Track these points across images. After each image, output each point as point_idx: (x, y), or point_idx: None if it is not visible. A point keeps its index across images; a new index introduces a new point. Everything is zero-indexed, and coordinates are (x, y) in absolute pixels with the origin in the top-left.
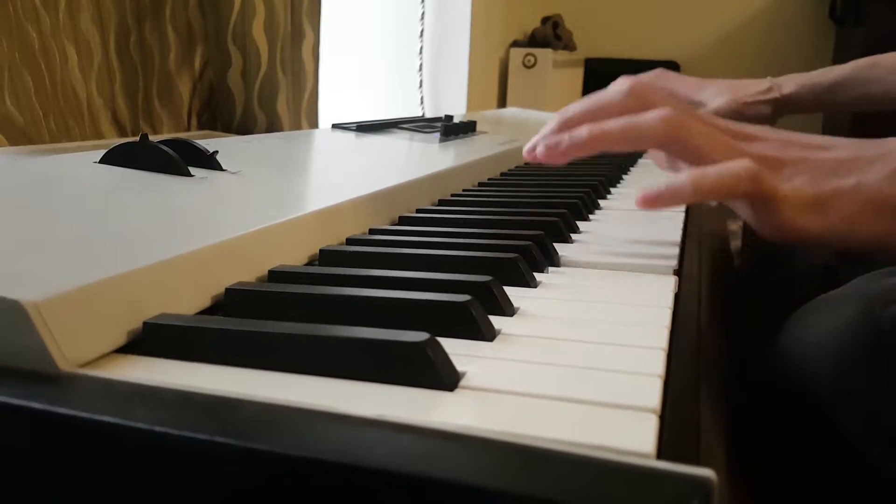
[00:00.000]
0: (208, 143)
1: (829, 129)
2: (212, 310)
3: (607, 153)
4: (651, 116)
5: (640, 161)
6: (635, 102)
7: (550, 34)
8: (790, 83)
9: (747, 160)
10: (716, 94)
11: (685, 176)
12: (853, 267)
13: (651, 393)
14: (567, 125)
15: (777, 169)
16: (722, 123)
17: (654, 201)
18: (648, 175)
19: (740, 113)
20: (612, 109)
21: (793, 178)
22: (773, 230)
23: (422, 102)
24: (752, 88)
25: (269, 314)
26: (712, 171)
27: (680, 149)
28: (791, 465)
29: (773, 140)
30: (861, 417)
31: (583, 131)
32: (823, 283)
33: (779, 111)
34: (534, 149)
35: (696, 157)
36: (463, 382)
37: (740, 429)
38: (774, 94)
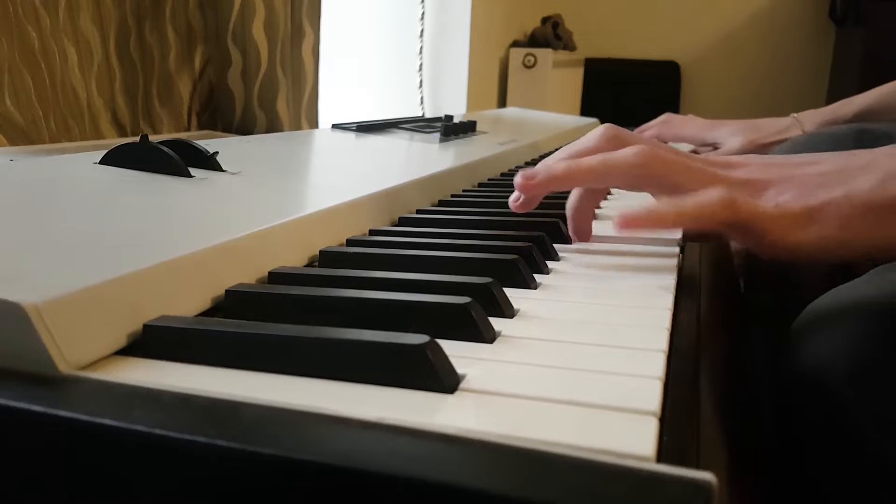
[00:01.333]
0: (208, 143)
1: None
2: (212, 311)
3: None
4: (626, 151)
5: None
6: (611, 144)
7: (550, 34)
8: (809, 121)
9: (721, 187)
10: (730, 135)
11: (666, 201)
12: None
13: (651, 395)
14: (573, 179)
15: (760, 190)
16: (699, 156)
17: (631, 222)
18: None
19: (758, 155)
20: (589, 152)
21: (777, 197)
22: (767, 251)
23: (422, 102)
24: (769, 129)
25: (270, 316)
26: (689, 200)
27: (656, 183)
28: (793, 468)
29: (754, 164)
30: (877, 418)
31: (559, 165)
32: (831, 278)
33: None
34: (532, 178)
35: (672, 190)
36: (463, 385)
37: (741, 431)
38: (793, 134)
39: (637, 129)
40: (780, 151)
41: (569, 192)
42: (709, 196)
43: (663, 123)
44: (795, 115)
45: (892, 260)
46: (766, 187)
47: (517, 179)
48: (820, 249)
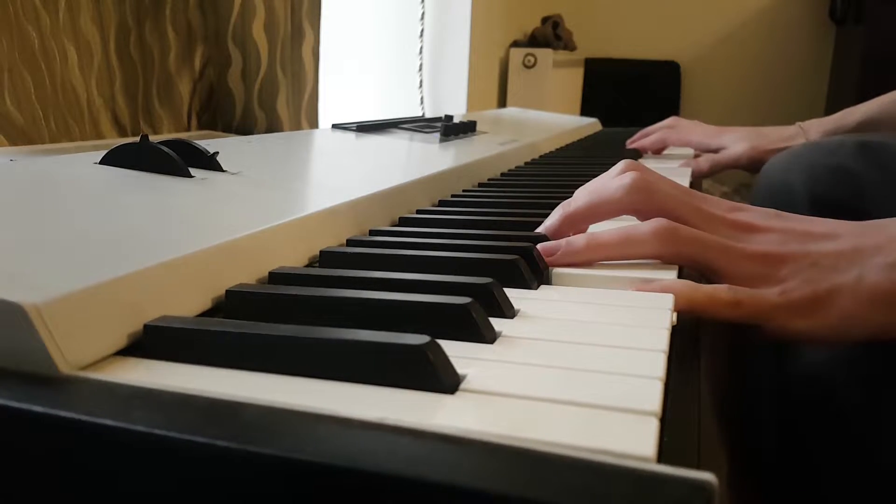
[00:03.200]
0: (208, 143)
1: None
2: (212, 312)
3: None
4: (646, 233)
5: (641, 161)
6: (639, 199)
7: (550, 34)
8: (814, 130)
9: (733, 289)
10: (736, 141)
11: (681, 286)
12: None
13: (652, 396)
14: (570, 222)
15: (775, 267)
16: (718, 213)
17: (643, 289)
18: None
19: (761, 161)
20: (614, 208)
21: (787, 280)
22: (768, 336)
23: (422, 102)
24: (774, 136)
25: (270, 316)
26: (701, 293)
27: (677, 260)
28: (794, 469)
29: (773, 231)
30: (879, 422)
31: (579, 242)
32: None
33: None
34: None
35: (691, 266)
36: (464, 385)
37: (742, 431)
38: (798, 143)
39: (642, 132)
40: (782, 159)
41: (571, 190)
42: (718, 295)
43: (669, 128)
44: (801, 123)
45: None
46: (781, 263)
47: (542, 246)
48: (822, 336)
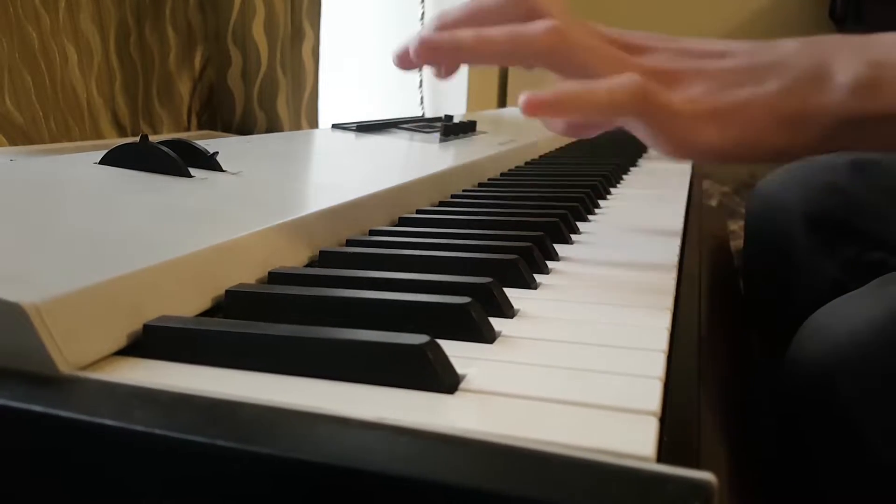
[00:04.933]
0: (208, 143)
1: None
2: (212, 311)
3: (614, 144)
4: (536, 28)
5: (641, 162)
6: (523, 10)
7: None
8: None
9: (635, 75)
10: None
11: (574, 85)
12: (862, 277)
13: (651, 395)
14: (445, 27)
15: (671, 82)
16: (612, 34)
17: (536, 106)
18: (649, 175)
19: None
20: (494, 14)
21: (687, 91)
22: (672, 147)
23: (422, 102)
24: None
25: (270, 316)
26: (601, 87)
27: (565, 64)
28: (794, 470)
29: (666, 50)
30: (879, 423)
31: (465, 34)
32: (832, 293)
33: None
34: (406, 54)
35: (582, 73)
36: (463, 385)
37: (742, 431)
38: None
39: None
40: (777, 178)
41: (570, 190)
42: (621, 84)
43: None
44: None
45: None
46: (677, 79)
47: (414, 48)
48: (724, 151)
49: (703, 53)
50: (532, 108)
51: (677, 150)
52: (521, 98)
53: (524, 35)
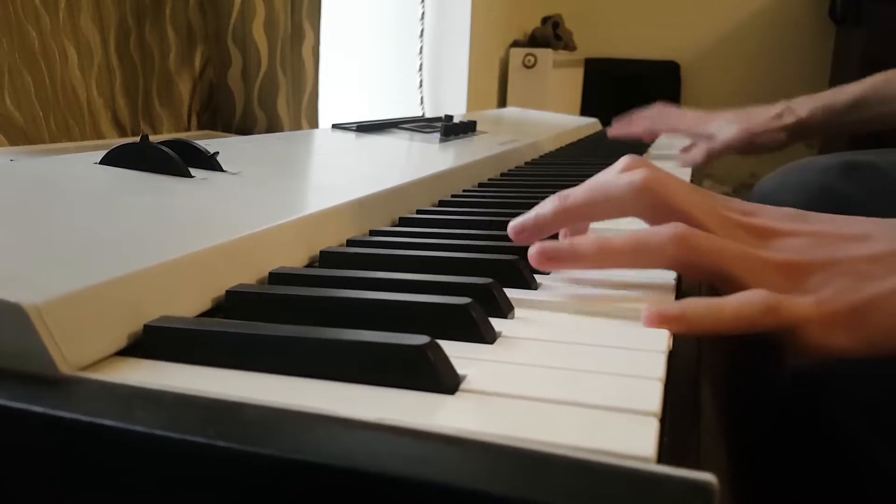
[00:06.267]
0: (208, 143)
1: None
2: (212, 312)
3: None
4: (660, 238)
5: None
6: (648, 200)
7: (550, 34)
8: (803, 107)
9: (764, 292)
10: (725, 126)
11: (700, 303)
12: None
13: (652, 396)
14: (564, 215)
15: (803, 276)
16: (736, 218)
17: (662, 321)
18: None
19: (753, 143)
20: (619, 206)
21: (820, 286)
22: (797, 353)
23: (422, 102)
24: (763, 116)
25: (270, 316)
26: (728, 307)
27: (692, 272)
28: (793, 471)
29: (798, 234)
30: (877, 425)
31: (586, 246)
32: None
33: (794, 137)
34: (522, 230)
35: (711, 279)
36: (463, 385)
37: (742, 431)
38: (788, 120)
39: (624, 120)
40: (774, 181)
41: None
42: (751, 303)
43: (658, 116)
44: (787, 101)
45: None
46: (809, 273)
47: (533, 252)
48: (861, 353)
49: (840, 238)
50: (655, 323)
51: (808, 353)
52: (647, 311)
53: (649, 246)
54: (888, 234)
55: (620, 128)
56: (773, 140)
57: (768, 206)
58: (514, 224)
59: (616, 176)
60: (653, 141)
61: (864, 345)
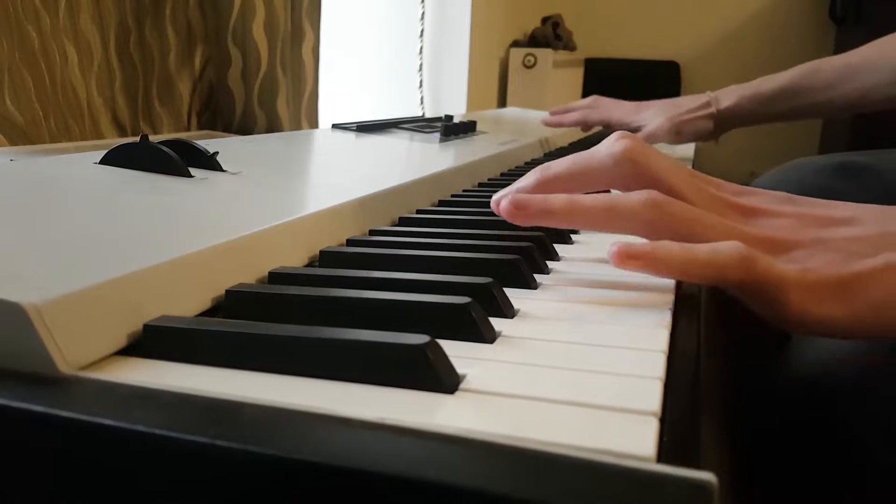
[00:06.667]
0: (208, 143)
1: (828, 129)
2: (212, 311)
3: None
4: (634, 201)
5: None
6: (630, 170)
7: (550, 34)
8: (729, 96)
9: (738, 242)
10: (653, 116)
11: (675, 249)
12: None
13: (652, 396)
14: (545, 186)
15: (786, 251)
16: (721, 195)
17: (631, 258)
18: None
19: (679, 132)
20: (600, 176)
21: (806, 260)
22: (787, 323)
23: (422, 102)
24: (688, 105)
25: (270, 316)
26: (702, 249)
27: (666, 236)
28: (793, 471)
29: (784, 215)
30: (878, 426)
31: (558, 201)
32: None
33: (721, 126)
34: (499, 201)
35: (685, 241)
36: (463, 385)
37: (741, 431)
38: (711, 109)
39: (559, 108)
40: (770, 179)
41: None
42: (725, 249)
43: (590, 107)
44: (711, 92)
45: None
46: (792, 248)
47: (504, 205)
48: (851, 327)
49: (827, 220)
50: (623, 260)
51: (791, 323)
52: (613, 247)
53: (620, 208)
54: (875, 217)
55: (555, 118)
56: (700, 129)
57: (760, 189)
58: (496, 197)
59: (599, 147)
60: (587, 131)
61: (853, 318)
